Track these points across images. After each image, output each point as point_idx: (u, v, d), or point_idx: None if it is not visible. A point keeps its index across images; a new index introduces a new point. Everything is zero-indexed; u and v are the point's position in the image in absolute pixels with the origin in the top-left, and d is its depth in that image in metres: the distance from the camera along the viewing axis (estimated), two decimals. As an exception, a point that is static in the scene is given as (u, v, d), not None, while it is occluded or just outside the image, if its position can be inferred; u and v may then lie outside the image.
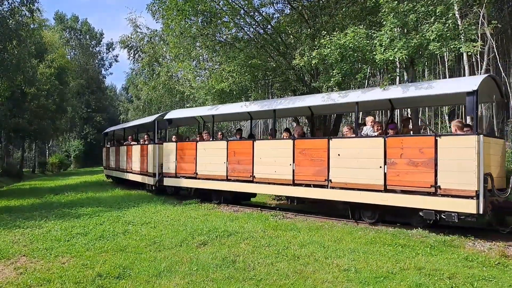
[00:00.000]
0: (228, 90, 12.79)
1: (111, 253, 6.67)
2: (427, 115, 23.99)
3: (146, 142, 16.13)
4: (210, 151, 12.18)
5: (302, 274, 5.50)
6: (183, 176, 13.07)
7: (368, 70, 10.76)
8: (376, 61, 8.71)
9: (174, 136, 14.44)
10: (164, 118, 14.43)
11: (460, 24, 10.28)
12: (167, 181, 13.73)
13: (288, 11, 14.78)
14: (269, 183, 10.47)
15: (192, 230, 8.12)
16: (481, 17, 14.90)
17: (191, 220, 9.42)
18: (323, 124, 13.69)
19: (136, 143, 18.15)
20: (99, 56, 66.25)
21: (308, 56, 10.21)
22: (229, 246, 6.97)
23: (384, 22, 8.91)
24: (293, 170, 9.82)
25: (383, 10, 9.00)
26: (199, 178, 12.43)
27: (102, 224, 9.01)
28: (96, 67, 64.73)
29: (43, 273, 5.69)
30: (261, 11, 13.65)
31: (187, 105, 24.14)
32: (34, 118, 32.52)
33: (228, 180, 11.52)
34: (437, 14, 8.33)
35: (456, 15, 11.56)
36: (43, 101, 31.93)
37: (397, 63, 11.26)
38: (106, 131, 25.56)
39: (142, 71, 32.08)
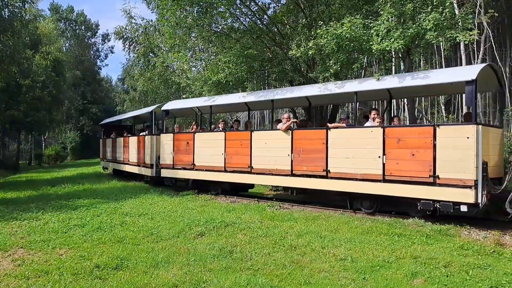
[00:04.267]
0: (224, 82, 12.73)
1: (108, 245, 6.68)
2: (423, 105, 24.03)
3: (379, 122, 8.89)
4: None
5: (299, 264, 5.53)
6: None
7: (365, 60, 10.73)
8: (373, 51, 8.69)
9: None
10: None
11: (457, 13, 10.24)
12: None
13: (284, 1, 14.68)
14: None
15: (190, 221, 8.14)
16: (477, 6, 14.87)
17: (188, 211, 9.44)
18: (320, 115, 13.70)
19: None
20: (95, 48, 65.75)
21: (304, 47, 10.15)
22: (226, 237, 7.00)
23: (381, 12, 8.86)
24: None
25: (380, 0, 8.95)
26: None
27: (99, 215, 9.01)
28: (92, 58, 64.23)
29: (40, 264, 5.69)
30: (257, 1, 13.57)
31: (183, 96, 24.01)
32: (30, 109, 32.22)
33: None
34: (435, 3, 8.29)
35: (454, 4, 11.52)
36: (38, 93, 31.65)
37: (393, 53, 11.25)
38: (166, 108, 14.67)
39: (138, 62, 31.81)
